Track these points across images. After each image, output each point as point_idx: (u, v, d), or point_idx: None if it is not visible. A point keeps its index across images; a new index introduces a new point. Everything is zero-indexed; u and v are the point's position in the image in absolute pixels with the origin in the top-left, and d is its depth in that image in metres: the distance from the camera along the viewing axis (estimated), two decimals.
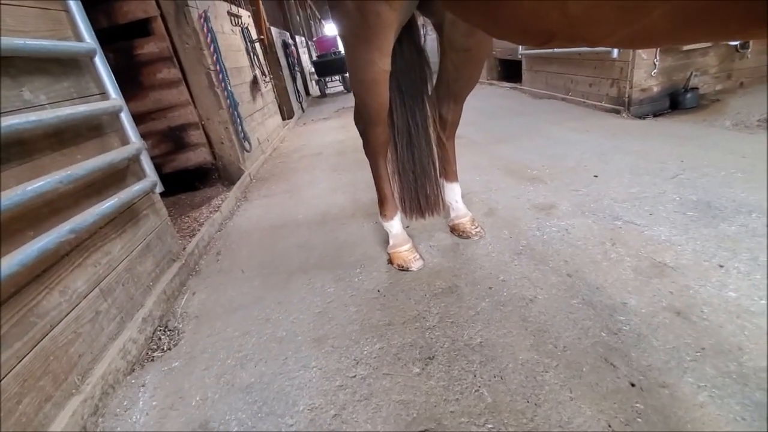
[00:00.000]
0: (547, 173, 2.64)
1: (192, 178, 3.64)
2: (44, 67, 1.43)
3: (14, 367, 1.10)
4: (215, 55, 3.31)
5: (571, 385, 1.13)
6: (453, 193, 1.98)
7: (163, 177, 3.30)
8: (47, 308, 1.25)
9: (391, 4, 1.21)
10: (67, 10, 1.57)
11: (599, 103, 4.00)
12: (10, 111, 1.25)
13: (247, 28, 4.63)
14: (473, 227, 1.97)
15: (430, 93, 1.75)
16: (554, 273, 1.62)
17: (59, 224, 1.28)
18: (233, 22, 4.28)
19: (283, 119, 6.34)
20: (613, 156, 2.74)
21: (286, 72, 7.05)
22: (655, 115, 3.57)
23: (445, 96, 1.76)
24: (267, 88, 5.20)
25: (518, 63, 5.83)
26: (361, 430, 1.11)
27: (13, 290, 1.14)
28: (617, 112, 3.74)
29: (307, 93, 9.78)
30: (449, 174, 1.95)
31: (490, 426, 1.06)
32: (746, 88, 3.70)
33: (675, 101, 3.55)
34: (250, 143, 3.75)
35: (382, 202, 1.85)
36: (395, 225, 1.84)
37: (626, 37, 0.69)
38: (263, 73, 4.87)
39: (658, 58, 3.42)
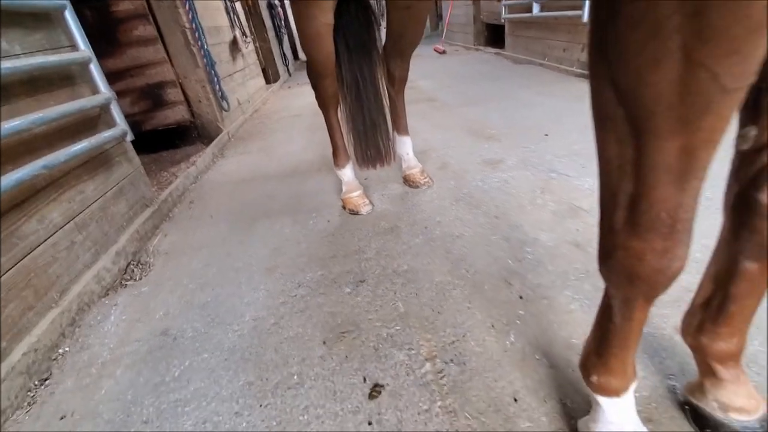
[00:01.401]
0: (503, 133, 2.79)
1: (172, 136, 3.76)
2: (19, 20, 1.55)
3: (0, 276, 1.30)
4: (190, 13, 3.36)
5: (472, 299, 1.35)
6: (404, 145, 2.15)
7: (144, 134, 3.46)
8: (27, 233, 1.43)
9: None
10: None
11: (571, 68, 4.10)
12: None
13: None
14: (422, 178, 2.15)
15: (378, 49, 1.89)
16: (484, 215, 1.81)
17: (32, 161, 1.44)
18: None
19: (268, 82, 6.37)
20: (568, 117, 2.89)
21: (271, 34, 6.99)
22: None
23: (392, 52, 1.90)
24: (248, 48, 5.22)
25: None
26: (293, 334, 1.33)
27: None
28: (585, 77, 3.84)
29: (296, 57, 9.68)
30: (400, 128, 2.11)
31: (398, 328, 1.28)
32: None
33: None
34: (228, 103, 3.85)
35: (334, 151, 2.01)
36: (347, 173, 2.02)
37: None
38: (244, 34, 4.89)
39: None
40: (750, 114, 0.64)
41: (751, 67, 0.42)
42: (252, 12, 6.21)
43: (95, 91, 1.92)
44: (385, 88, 1.96)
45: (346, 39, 1.75)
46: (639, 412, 0.92)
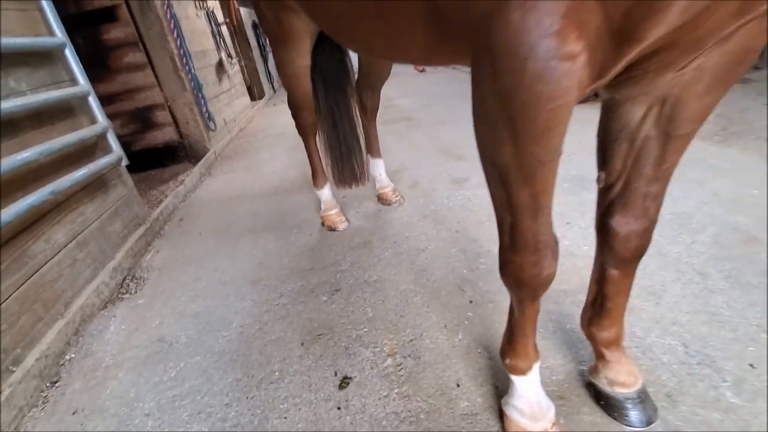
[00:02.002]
0: (471, 152, 3.05)
1: (161, 155, 3.93)
2: (24, 59, 1.74)
3: (14, 292, 1.47)
4: (179, 40, 3.57)
5: (430, 304, 1.57)
6: (377, 167, 2.38)
7: (134, 154, 3.64)
8: (36, 252, 1.61)
9: (300, 16, 1.57)
10: (41, 10, 1.87)
11: None
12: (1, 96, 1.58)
13: (212, 11, 4.84)
14: (394, 196, 2.38)
15: (352, 83, 2.12)
16: (446, 230, 2.05)
17: (42, 187, 1.62)
18: (198, 6, 4.50)
19: (253, 100, 6.58)
20: None
21: (256, 53, 7.23)
22: (579, 102, 4.00)
23: (364, 86, 2.14)
24: (234, 69, 5.44)
25: None
26: (275, 337, 1.52)
27: (10, 236, 1.49)
28: None
29: None
30: (373, 151, 2.35)
31: (366, 330, 1.49)
32: None
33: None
34: (215, 123, 4.05)
35: (313, 174, 2.23)
36: (325, 193, 2.24)
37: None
38: (229, 56, 5.10)
39: None
40: (600, 164, 0.88)
41: (554, 147, 0.66)
42: (237, 32, 6.43)
43: (93, 120, 2.11)
44: (359, 117, 2.19)
45: (322, 76, 1.98)
46: (554, 391, 1.16)
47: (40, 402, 1.39)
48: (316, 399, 1.25)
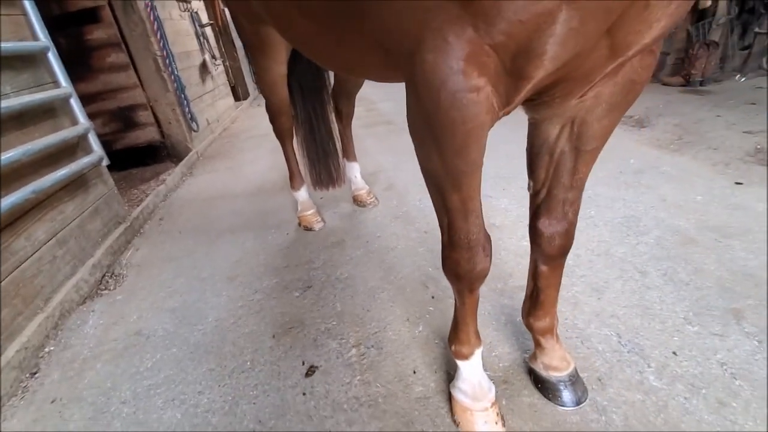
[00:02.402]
0: None
1: (143, 155, 3.96)
2: (8, 62, 1.80)
3: None
4: (162, 42, 3.62)
5: (395, 299, 1.68)
6: (353, 170, 2.48)
7: (115, 153, 3.67)
8: (17, 249, 1.67)
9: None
10: (25, 14, 1.92)
11: None
12: None
13: (196, 12, 4.88)
14: (369, 198, 2.49)
15: (328, 90, 2.22)
16: (416, 231, 2.16)
17: (24, 187, 1.68)
18: (182, 7, 4.54)
19: (237, 100, 6.62)
20: (503, 145, 3.29)
21: (241, 53, 7.25)
22: None
23: (340, 94, 2.24)
24: (218, 70, 5.48)
25: None
26: (248, 330, 1.61)
27: None
28: None
29: None
30: (349, 155, 2.45)
31: (334, 323, 1.59)
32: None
33: None
34: (197, 123, 4.10)
35: (291, 176, 2.32)
36: (302, 194, 2.33)
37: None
38: (213, 57, 5.15)
39: None
40: (529, 173, 1.00)
41: (473, 161, 0.77)
42: (222, 33, 6.47)
43: (75, 121, 2.17)
44: (335, 122, 2.29)
45: (300, 83, 2.08)
46: (500, 376, 1.28)
47: (20, 392, 1.45)
48: (283, 386, 1.35)
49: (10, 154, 1.62)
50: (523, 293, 1.59)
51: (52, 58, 2.03)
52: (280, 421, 1.23)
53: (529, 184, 1.03)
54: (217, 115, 5.11)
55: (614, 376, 1.24)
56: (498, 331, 1.46)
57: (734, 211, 1.96)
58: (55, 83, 2.08)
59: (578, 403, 1.15)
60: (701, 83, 3.82)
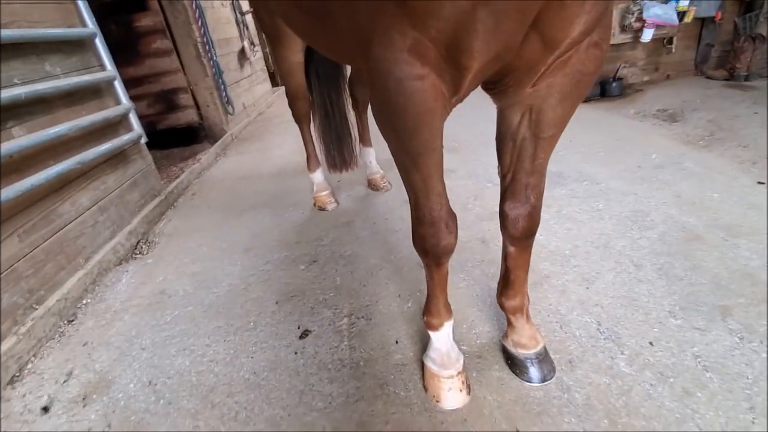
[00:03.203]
0: (465, 145, 3.21)
1: (183, 135, 4.24)
2: (59, 47, 2.03)
3: (41, 244, 1.77)
4: (203, 29, 3.85)
5: (391, 277, 1.78)
6: (368, 155, 2.58)
7: (158, 133, 3.96)
8: (62, 212, 1.91)
9: None
10: (74, 2, 2.15)
11: None
12: (37, 79, 1.87)
13: (238, 1, 5.10)
14: (382, 182, 2.59)
15: (345, 78, 2.33)
16: None
17: (71, 158, 1.92)
18: None
19: (275, 86, 6.86)
20: None
21: None
22: (586, 100, 4.06)
23: (356, 82, 2.34)
24: (257, 56, 5.71)
25: None
26: (255, 296, 1.77)
27: (40, 197, 1.79)
28: None
29: None
30: (365, 140, 2.55)
31: (332, 295, 1.72)
32: (672, 80, 4.16)
33: (604, 89, 4.04)
34: (233, 107, 4.33)
35: (307, 158, 2.46)
36: (317, 176, 2.46)
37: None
38: (252, 44, 5.37)
39: None
40: (498, 158, 1.06)
41: (427, 143, 0.85)
42: None
43: (118, 102, 2.40)
44: (351, 108, 2.39)
45: (317, 71, 2.19)
46: (475, 352, 1.36)
47: (57, 336, 1.69)
48: (279, 345, 1.49)
49: (59, 129, 1.85)
50: None
51: (99, 43, 2.26)
52: (271, 374, 1.38)
53: (498, 169, 1.09)
54: (254, 100, 5.35)
55: (585, 359, 1.28)
56: (482, 311, 1.53)
57: (749, 210, 1.89)
58: (101, 66, 2.31)
59: (544, 380, 1.21)
60: (746, 78, 3.59)
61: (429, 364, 1.22)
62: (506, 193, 1.08)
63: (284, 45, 1.90)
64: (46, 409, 1.35)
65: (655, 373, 1.21)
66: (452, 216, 1.03)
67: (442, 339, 1.20)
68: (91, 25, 2.20)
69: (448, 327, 1.21)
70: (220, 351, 1.50)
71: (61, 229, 1.90)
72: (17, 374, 1.51)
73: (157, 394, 1.36)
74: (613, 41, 3.69)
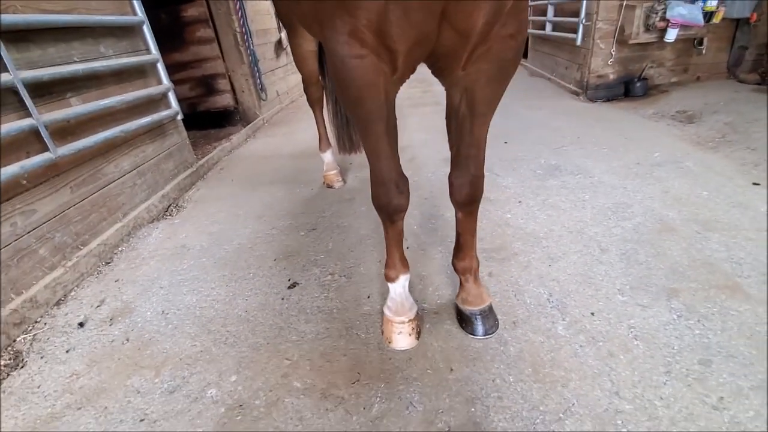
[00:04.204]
0: None
1: (220, 118, 4.62)
2: (112, 32, 2.37)
3: (89, 196, 2.11)
4: (242, 20, 4.17)
5: (376, 245, 1.98)
6: None
7: (199, 114, 4.33)
8: (107, 172, 2.25)
9: None
10: None
11: (569, 86, 4.49)
12: (93, 58, 2.21)
13: None
14: None
15: None
16: (418, 196, 2.42)
17: (115, 126, 2.25)
18: None
19: None
20: (535, 129, 3.38)
21: None
22: (609, 99, 4.05)
23: None
24: None
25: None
26: (258, 254, 2.04)
27: (89, 157, 2.13)
28: (577, 94, 4.24)
29: None
30: None
31: (322, 256, 1.95)
32: (702, 82, 4.05)
33: (627, 89, 4.01)
34: (266, 93, 4.66)
35: (319, 139, 2.70)
36: (327, 156, 2.70)
37: None
38: None
39: (615, 48, 3.87)
40: (448, 134, 1.23)
41: (371, 113, 1.04)
42: None
43: (160, 82, 2.74)
44: None
45: None
46: (433, 309, 1.54)
47: (96, 273, 2.02)
48: (270, 292, 1.74)
49: (107, 102, 2.18)
50: (485, 255, 1.82)
51: (146, 30, 2.59)
52: (260, 313, 1.63)
53: (450, 145, 1.26)
54: (287, 88, 5.67)
55: (528, 322, 1.44)
56: (448, 279, 1.70)
57: (733, 208, 1.94)
58: (147, 50, 2.65)
59: (485, 334, 1.37)
60: None
61: (385, 311, 1.41)
62: (452, 165, 1.25)
63: (297, 33, 2.13)
64: (81, 325, 1.67)
65: (588, 337, 1.35)
66: (403, 179, 1.22)
67: (397, 290, 1.40)
68: (140, 13, 2.53)
69: (403, 280, 1.40)
70: (222, 293, 1.77)
71: (105, 186, 2.24)
72: (62, 298, 1.85)
73: (167, 320, 1.65)
74: (637, 40, 3.67)
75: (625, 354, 1.27)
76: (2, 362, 1.52)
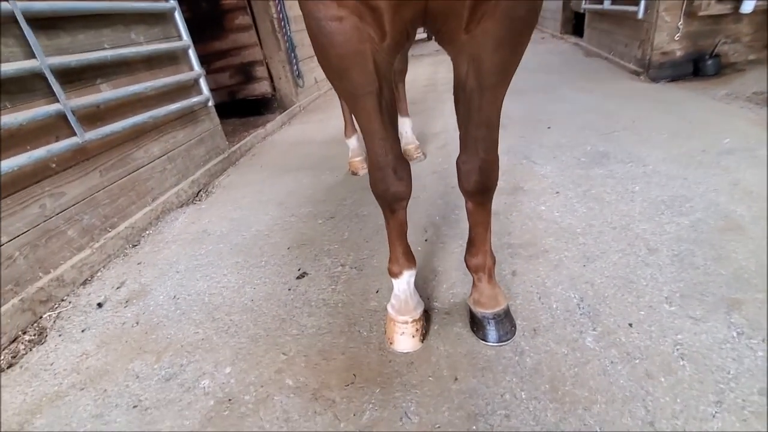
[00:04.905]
0: (514, 122, 3.09)
1: (259, 105, 4.67)
2: (143, 19, 2.40)
3: (117, 181, 2.17)
4: (279, 6, 4.15)
5: None
6: (404, 125, 2.64)
7: (238, 102, 4.40)
8: (136, 157, 2.31)
9: None
10: None
11: (628, 65, 4.05)
12: (123, 45, 2.25)
13: None
14: (416, 152, 2.64)
15: None
16: (444, 186, 2.26)
17: (145, 112, 2.29)
18: None
19: None
20: (584, 113, 3.06)
21: None
22: (674, 79, 3.60)
23: None
24: None
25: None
26: (274, 241, 1.99)
27: (119, 142, 2.19)
28: (638, 74, 3.81)
29: None
30: (401, 110, 2.61)
31: (336, 246, 1.86)
32: None
33: (697, 68, 3.53)
34: (303, 80, 4.63)
35: (345, 125, 2.60)
36: (352, 142, 2.60)
37: None
38: None
39: (682, 21, 3.41)
40: (456, 112, 1.08)
41: (356, 85, 0.91)
42: None
43: (191, 68, 2.76)
44: None
45: None
46: (444, 309, 1.41)
47: (122, 255, 2.08)
48: (278, 281, 1.68)
49: (136, 87, 2.22)
50: (511, 251, 1.64)
51: (178, 16, 2.61)
52: (265, 303, 1.57)
53: (458, 123, 1.11)
54: None
55: (552, 330, 1.26)
56: (465, 276, 1.54)
57: None
58: (179, 37, 2.67)
59: (499, 341, 1.22)
60: None
61: (389, 308, 1.30)
62: (461, 148, 1.10)
63: None
64: (100, 305, 1.71)
65: (622, 352, 1.15)
66: (402, 163, 1.09)
67: (401, 287, 1.27)
68: (172, 0, 2.55)
69: (407, 276, 1.27)
70: (232, 280, 1.74)
71: (135, 171, 2.29)
72: (89, 278, 1.92)
73: (177, 305, 1.64)
74: (708, 12, 3.20)
75: (666, 376, 1.07)
76: (27, 338, 1.59)
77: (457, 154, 1.16)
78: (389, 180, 1.08)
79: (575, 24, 6.74)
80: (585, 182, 2.06)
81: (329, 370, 1.24)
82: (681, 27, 3.43)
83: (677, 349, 1.13)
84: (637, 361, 1.12)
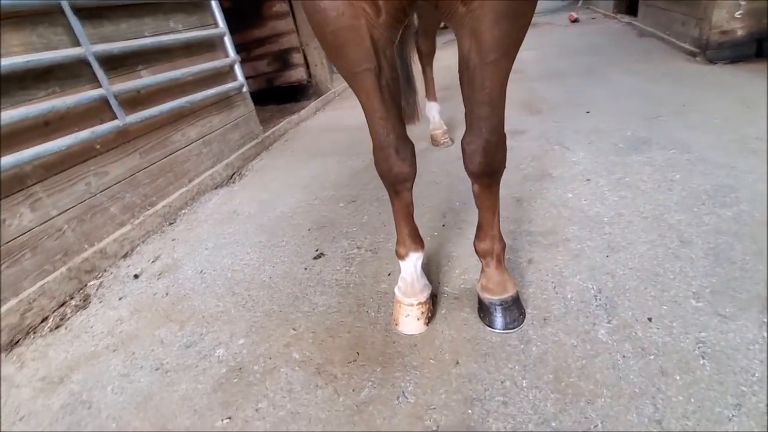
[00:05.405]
0: (551, 107, 2.95)
1: (295, 92, 4.75)
2: (182, 7, 2.51)
3: (156, 162, 2.31)
4: None
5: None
6: (432, 109, 2.60)
7: (275, 89, 4.50)
8: (174, 140, 2.44)
9: None
10: None
11: (684, 45, 3.72)
12: (163, 33, 2.37)
13: None
14: (443, 138, 2.60)
15: (413, 30, 2.35)
16: None
17: (182, 97, 2.41)
18: None
19: None
20: (627, 96, 2.86)
21: None
22: (734, 61, 3.27)
23: (420, 33, 2.34)
24: None
25: None
26: (296, 222, 2.04)
27: (158, 126, 2.32)
28: (693, 55, 3.50)
29: None
30: (429, 94, 2.57)
31: (355, 229, 1.88)
32: None
33: (761, 48, 3.18)
34: None
35: None
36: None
37: None
38: None
39: None
40: (462, 91, 1.05)
41: (353, 62, 0.90)
42: None
43: (227, 55, 2.86)
44: (416, 62, 2.42)
45: None
46: (454, 294, 1.39)
47: (159, 232, 2.22)
48: (296, 260, 1.73)
49: (174, 74, 2.33)
50: (531, 237, 1.60)
51: (214, 5, 2.70)
52: (281, 280, 1.63)
53: (464, 102, 1.08)
54: None
55: (563, 320, 1.21)
56: (479, 262, 1.51)
57: None
58: (215, 24, 2.77)
59: (505, 328, 1.19)
60: None
61: (396, 290, 1.30)
62: (466, 128, 1.07)
63: None
64: (136, 276, 1.85)
65: (636, 347, 1.09)
66: (405, 143, 1.08)
67: (408, 269, 1.27)
68: None
69: (414, 258, 1.27)
70: (254, 258, 1.81)
71: (173, 153, 2.43)
72: (129, 252, 2.07)
73: (203, 279, 1.74)
74: None
75: (683, 374, 1.00)
76: (73, 303, 1.75)
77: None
78: (392, 160, 1.07)
79: (630, 2, 6.26)
80: (620, 169, 1.94)
81: (334, 347, 1.27)
82: (743, 4, 3.09)
83: (699, 347, 1.06)
84: (652, 357, 1.06)
